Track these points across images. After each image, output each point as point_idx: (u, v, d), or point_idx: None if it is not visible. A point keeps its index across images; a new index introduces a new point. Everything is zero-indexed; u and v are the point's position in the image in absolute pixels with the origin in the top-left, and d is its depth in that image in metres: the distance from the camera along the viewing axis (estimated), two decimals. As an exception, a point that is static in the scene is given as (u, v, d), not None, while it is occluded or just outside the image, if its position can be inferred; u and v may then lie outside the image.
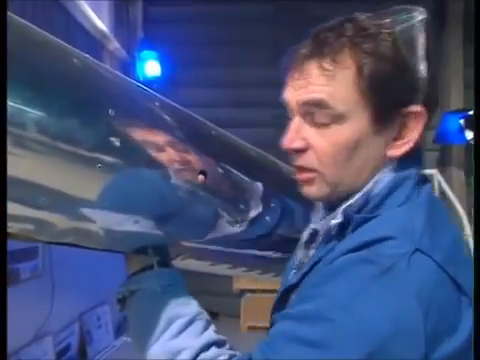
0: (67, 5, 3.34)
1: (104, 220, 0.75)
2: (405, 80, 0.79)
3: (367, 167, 0.82)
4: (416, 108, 0.80)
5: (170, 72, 4.85)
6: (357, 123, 0.80)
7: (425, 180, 0.86)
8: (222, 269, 1.27)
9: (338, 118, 0.79)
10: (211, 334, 0.84)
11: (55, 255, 2.76)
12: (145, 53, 4.80)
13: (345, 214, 0.82)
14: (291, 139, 0.83)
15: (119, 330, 3.62)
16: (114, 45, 4.27)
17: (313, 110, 0.81)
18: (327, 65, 0.79)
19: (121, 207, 0.75)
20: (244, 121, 4.89)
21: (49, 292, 2.75)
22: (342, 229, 0.82)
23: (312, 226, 0.91)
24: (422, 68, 0.79)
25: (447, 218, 0.84)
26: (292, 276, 0.89)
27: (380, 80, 0.79)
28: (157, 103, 0.86)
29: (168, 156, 0.81)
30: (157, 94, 0.91)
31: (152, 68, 4.81)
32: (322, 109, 0.80)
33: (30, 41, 0.61)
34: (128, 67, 4.70)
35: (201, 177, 0.88)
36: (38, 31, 0.65)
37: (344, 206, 0.83)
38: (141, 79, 4.95)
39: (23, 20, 0.62)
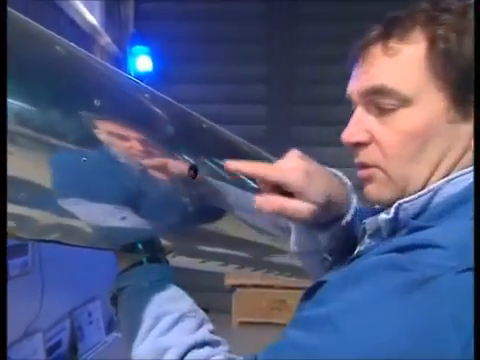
0: (58, -1, 3.32)
1: (86, 215, 0.72)
2: None
3: (445, 164, 0.69)
4: None
5: (162, 68, 4.82)
6: (429, 107, 0.68)
7: None
8: (213, 266, 1.25)
9: (404, 102, 0.68)
10: (204, 333, 0.78)
11: (45, 251, 2.75)
12: (137, 48, 4.78)
13: (397, 212, 0.70)
14: (352, 132, 0.73)
15: (110, 326, 3.61)
16: (105, 40, 4.24)
17: (376, 98, 0.71)
18: (392, 44, 0.69)
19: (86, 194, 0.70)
20: (236, 118, 4.87)
21: (39, 289, 2.74)
22: (394, 228, 0.71)
23: (364, 221, 0.82)
24: None
25: None
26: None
27: (460, 56, 0.66)
28: (147, 95, 0.83)
29: (153, 148, 0.77)
30: (147, 86, 0.88)
31: (144, 63, 4.78)
32: (385, 96, 0.69)
33: (9, 27, 0.57)
34: (119, 62, 4.68)
35: (191, 172, 0.84)
36: (17, 16, 0.61)
37: (401, 201, 0.70)
38: (133, 74, 4.94)
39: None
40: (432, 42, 0.68)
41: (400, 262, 0.60)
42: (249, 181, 0.99)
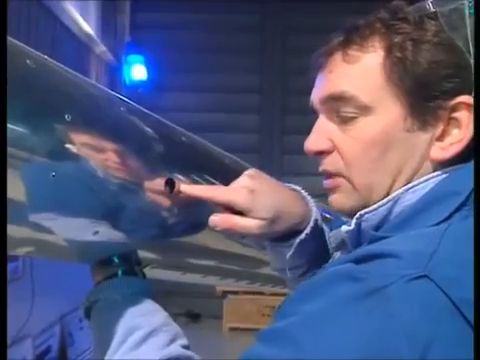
0: (53, 8, 3.33)
1: (58, 229, 0.71)
2: (451, 65, 0.67)
3: (405, 173, 0.69)
4: (468, 99, 0.66)
5: (156, 76, 4.88)
6: (386, 116, 0.68)
7: None
8: (195, 278, 1.24)
9: (363, 110, 0.69)
10: (176, 349, 0.76)
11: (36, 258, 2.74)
12: (132, 57, 4.83)
13: (359, 223, 0.70)
14: (313, 140, 0.73)
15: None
16: (101, 49, 4.27)
17: (336, 106, 0.71)
18: (352, 52, 0.70)
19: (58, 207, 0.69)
20: (229, 127, 4.91)
21: (29, 294, 2.74)
22: (359, 240, 0.71)
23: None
24: (472, 52, 0.66)
25: None
26: None
27: (416, 64, 0.67)
28: (122, 108, 0.82)
29: (125, 164, 0.75)
30: (125, 99, 0.87)
31: (138, 72, 4.84)
32: (345, 103, 0.70)
33: None
34: (115, 71, 4.71)
35: (167, 188, 0.82)
36: None
37: (362, 211, 0.70)
38: (127, 83, 4.97)
39: None
40: (388, 50, 0.68)
41: (353, 272, 0.59)
42: None
